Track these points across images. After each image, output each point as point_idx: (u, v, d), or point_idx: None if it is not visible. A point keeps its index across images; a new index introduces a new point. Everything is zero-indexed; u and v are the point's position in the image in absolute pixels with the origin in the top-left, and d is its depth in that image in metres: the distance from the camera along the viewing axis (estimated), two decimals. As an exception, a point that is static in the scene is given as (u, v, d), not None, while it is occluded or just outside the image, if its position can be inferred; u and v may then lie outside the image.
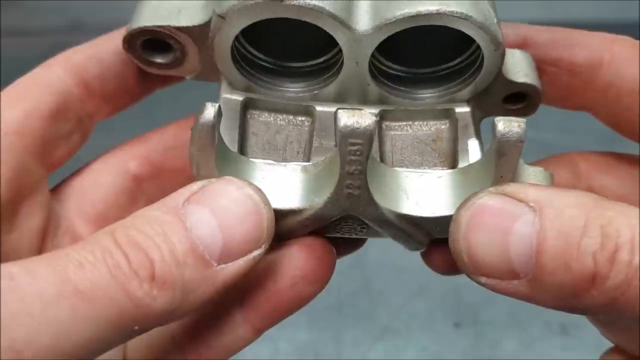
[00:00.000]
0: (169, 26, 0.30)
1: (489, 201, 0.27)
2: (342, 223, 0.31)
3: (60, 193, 0.38)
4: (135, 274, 0.25)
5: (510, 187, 0.27)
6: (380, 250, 0.97)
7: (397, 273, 0.90)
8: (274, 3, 0.27)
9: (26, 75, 0.36)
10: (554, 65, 0.38)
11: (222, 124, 0.29)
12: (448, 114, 0.31)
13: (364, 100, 0.29)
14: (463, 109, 0.30)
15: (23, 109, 0.34)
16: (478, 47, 0.29)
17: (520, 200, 0.26)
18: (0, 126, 0.33)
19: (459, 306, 0.90)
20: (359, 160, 0.26)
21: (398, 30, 0.28)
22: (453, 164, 0.30)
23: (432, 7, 0.26)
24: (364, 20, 0.27)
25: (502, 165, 0.27)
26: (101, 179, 0.38)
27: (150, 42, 0.31)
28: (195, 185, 0.27)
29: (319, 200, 0.28)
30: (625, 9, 1.45)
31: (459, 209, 0.28)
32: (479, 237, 0.27)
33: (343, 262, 0.96)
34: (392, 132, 0.30)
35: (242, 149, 0.31)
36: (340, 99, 0.29)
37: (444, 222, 0.29)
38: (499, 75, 0.29)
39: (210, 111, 0.26)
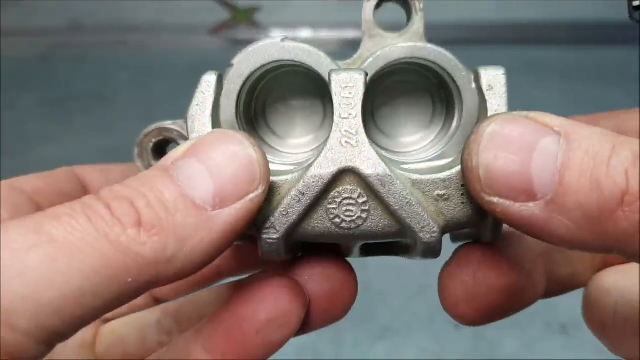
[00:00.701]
0: (180, 121, 0.34)
1: (512, 122, 0.27)
2: (342, 198, 0.30)
3: None
4: (118, 220, 0.24)
5: (533, 113, 0.27)
6: (380, 250, 0.98)
7: (397, 273, 0.90)
8: (274, 44, 0.32)
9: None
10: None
11: None
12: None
13: None
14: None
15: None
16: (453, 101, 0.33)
17: (545, 125, 0.26)
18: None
19: (459, 306, 0.90)
20: (352, 102, 0.30)
21: (389, 67, 0.33)
22: None
23: (406, 54, 0.32)
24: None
25: (492, 98, 0.31)
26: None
27: (160, 145, 0.34)
28: (184, 145, 0.27)
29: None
30: (625, 8, 1.44)
31: (480, 124, 0.27)
32: (499, 151, 0.26)
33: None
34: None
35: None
36: None
37: (452, 183, 0.30)
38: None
39: (212, 75, 0.32)
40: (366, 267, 0.94)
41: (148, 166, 0.34)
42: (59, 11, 1.51)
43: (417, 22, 0.33)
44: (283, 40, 0.32)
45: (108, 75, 1.39)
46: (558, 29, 1.47)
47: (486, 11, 1.47)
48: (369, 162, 0.30)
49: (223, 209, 0.26)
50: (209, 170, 0.26)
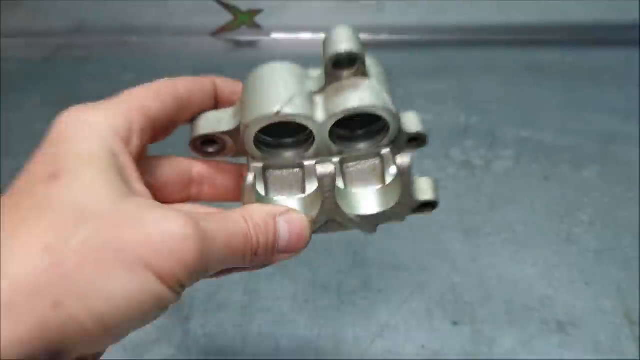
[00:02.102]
0: (215, 133, 0.52)
1: None
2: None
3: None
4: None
5: None
6: (380, 249, 0.98)
7: (396, 271, 0.90)
8: (275, 117, 0.48)
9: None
10: None
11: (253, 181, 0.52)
12: (378, 155, 0.53)
13: (329, 154, 0.52)
14: (386, 151, 0.52)
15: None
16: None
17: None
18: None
19: (457, 304, 0.91)
20: (329, 189, 0.49)
21: (340, 117, 0.48)
22: (383, 182, 0.52)
23: (355, 104, 0.48)
24: (321, 114, 0.49)
25: (403, 179, 0.49)
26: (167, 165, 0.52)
27: (205, 140, 0.53)
28: (282, 208, 0.48)
29: (315, 212, 0.51)
30: (625, 9, 1.45)
31: None
32: None
33: (343, 261, 0.96)
34: (349, 169, 0.53)
35: (267, 191, 0.53)
36: (317, 155, 0.51)
37: (375, 217, 0.51)
38: (401, 130, 0.51)
39: (250, 177, 0.50)
40: (365, 266, 0.95)
41: (199, 149, 0.53)
42: (63, 13, 1.52)
43: None
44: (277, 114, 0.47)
45: (112, 77, 1.40)
46: (558, 30, 1.48)
47: (486, 13, 1.47)
48: (340, 213, 0.51)
49: (281, 254, 0.48)
50: (289, 232, 0.47)
